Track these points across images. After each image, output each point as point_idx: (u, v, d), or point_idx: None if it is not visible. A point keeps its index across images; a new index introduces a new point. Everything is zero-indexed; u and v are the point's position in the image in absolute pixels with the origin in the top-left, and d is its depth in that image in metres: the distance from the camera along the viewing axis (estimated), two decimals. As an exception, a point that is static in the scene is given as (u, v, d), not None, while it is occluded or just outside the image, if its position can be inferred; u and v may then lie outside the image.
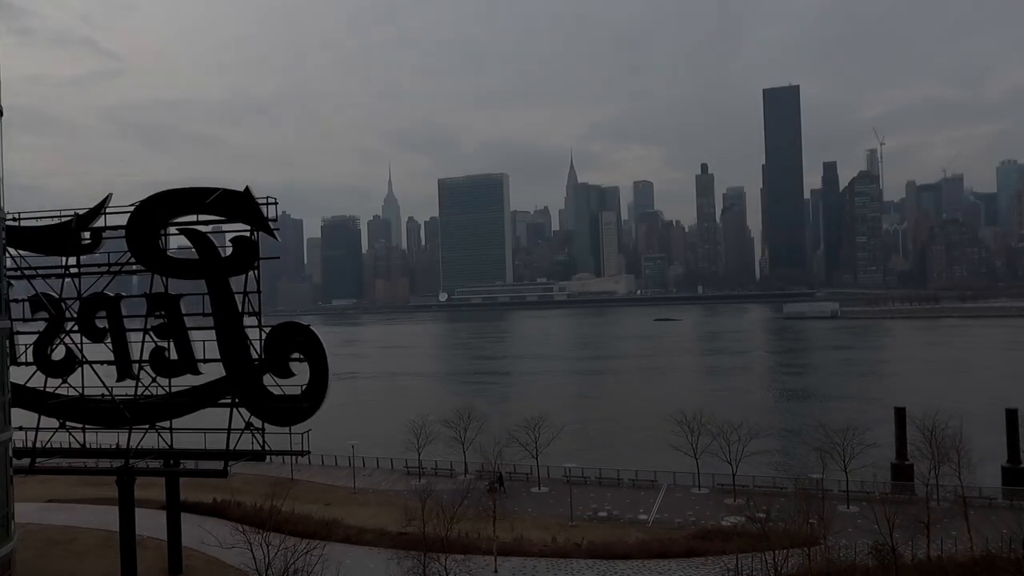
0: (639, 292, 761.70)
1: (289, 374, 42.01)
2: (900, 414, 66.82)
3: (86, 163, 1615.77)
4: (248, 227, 42.09)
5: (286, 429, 42.20)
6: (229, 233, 42.55)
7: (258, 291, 42.36)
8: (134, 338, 43.60)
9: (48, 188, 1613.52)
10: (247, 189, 42.20)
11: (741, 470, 58.84)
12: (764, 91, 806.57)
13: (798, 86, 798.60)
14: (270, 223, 42.30)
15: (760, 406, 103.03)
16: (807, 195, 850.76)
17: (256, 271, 42.37)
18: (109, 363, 43.63)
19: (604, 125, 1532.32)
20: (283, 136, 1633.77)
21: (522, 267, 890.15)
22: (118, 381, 43.81)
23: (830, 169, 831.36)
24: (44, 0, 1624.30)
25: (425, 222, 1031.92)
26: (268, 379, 42.08)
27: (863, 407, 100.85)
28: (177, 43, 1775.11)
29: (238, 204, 42.01)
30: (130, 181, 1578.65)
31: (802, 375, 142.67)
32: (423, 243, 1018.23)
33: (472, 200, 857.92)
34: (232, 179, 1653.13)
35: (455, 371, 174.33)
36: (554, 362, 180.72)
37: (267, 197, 42.49)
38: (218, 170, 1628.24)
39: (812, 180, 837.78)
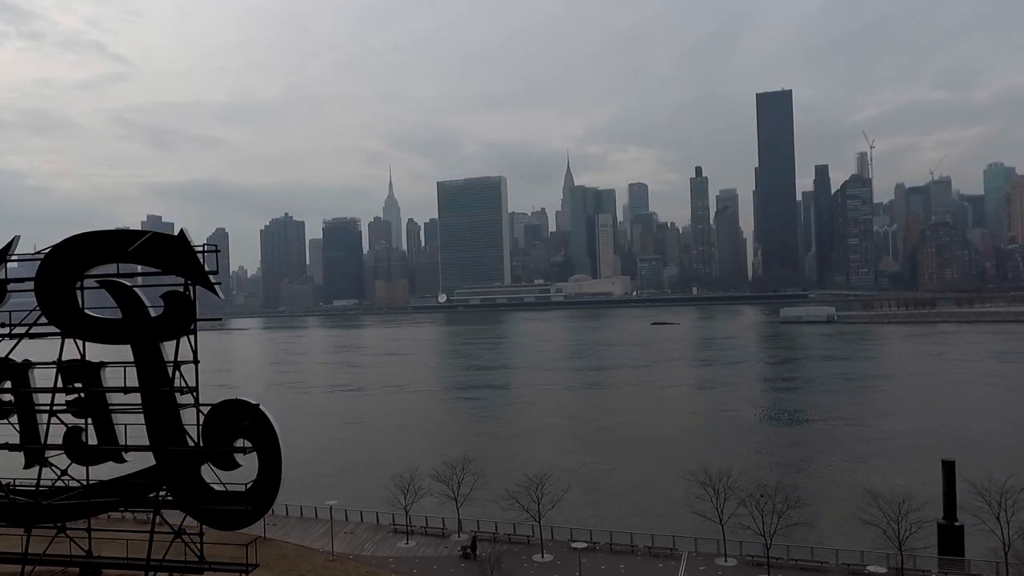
0: (635, 293, 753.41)
1: (233, 465, 32.77)
2: (949, 469, 57.72)
3: (95, 165, 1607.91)
4: (183, 280, 32.85)
5: (229, 532, 33.14)
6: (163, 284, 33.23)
7: (195, 360, 32.85)
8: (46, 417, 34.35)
9: (57, 189, 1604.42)
10: (182, 233, 32.89)
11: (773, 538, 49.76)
12: (757, 95, 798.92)
13: (791, 91, 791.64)
14: (210, 276, 32.89)
15: (771, 445, 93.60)
16: (799, 197, 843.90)
17: (193, 336, 33.00)
18: (15, 448, 34.42)
19: (602, 128, 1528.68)
20: (287, 138, 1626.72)
21: (520, 268, 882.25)
22: (26, 468, 34.65)
23: (822, 172, 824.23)
24: (53, 4, 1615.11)
25: (425, 224, 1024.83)
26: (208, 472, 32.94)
27: (883, 441, 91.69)
28: (183, 47, 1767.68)
29: (170, 252, 32.60)
30: (139, 183, 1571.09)
31: (805, 394, 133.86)
32: (423, 244, 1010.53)
33: (471, 202, 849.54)
34: (237, 180, 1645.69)
35: (450, 385, 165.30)
36: (551, 375, 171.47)
37: (204, 244, 33.03)
38: (223, 172, 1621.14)
39: (804, 182, 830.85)
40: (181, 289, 32.84)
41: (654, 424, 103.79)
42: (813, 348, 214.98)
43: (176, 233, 33.19)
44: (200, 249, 32.78)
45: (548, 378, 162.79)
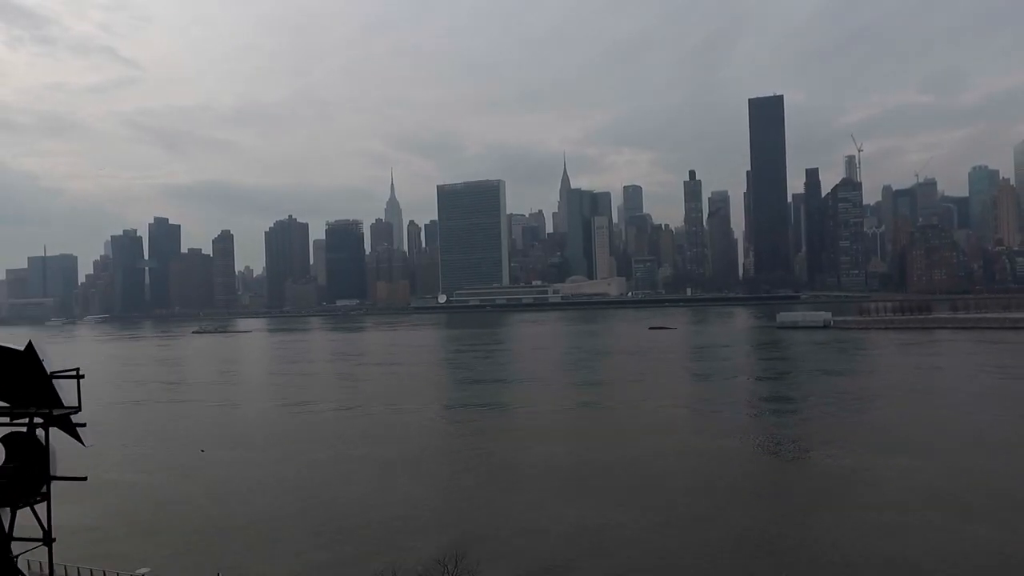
0: (630, 294, 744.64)
1: None
2: None
3: (106, 166, 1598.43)
4: (30, 419, 22.42)
5: None
6: None
7: (47, 540, 22.31)
8: None
9: (70, 190, 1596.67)
10: (30, 346, 22.38)
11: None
12: (749, 100, 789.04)
13: (782, 96, 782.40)
14: (72, 415, 22.33)
15: (788, 498, 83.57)
16: (789, 199, 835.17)
17: (43, 501, 22.46)
18: None
19: (599, 131, 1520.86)
20: (293, 141, 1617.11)
21: (518, 268, 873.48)
22: None
23: (812, 175, 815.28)
24: (66, 10, 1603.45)
25: (425, 225, 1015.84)
26: None
27: (913, 491, 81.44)
28: (192, 52, 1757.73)
29: (12, 376, 22.15)
30: (149, 184, 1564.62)
31: (812, 424, 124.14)
32: (423, 245, 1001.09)
33: (470, 206, 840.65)
34: (245, 182, 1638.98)
35: (444, 405, 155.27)
36: (547, 391, 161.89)
37: (60, 370, 22.35)
38: (231, 173, 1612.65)
39: (794, 183, 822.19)
40: (26, 430, 22.42)
41: (662, 462, 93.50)
42: (812, 360, 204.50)
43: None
44: (54, 374, 22.24)
45: (544, 395, 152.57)
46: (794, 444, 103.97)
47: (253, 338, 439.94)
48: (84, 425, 22.73)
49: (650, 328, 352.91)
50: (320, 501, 78.62)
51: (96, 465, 79.76)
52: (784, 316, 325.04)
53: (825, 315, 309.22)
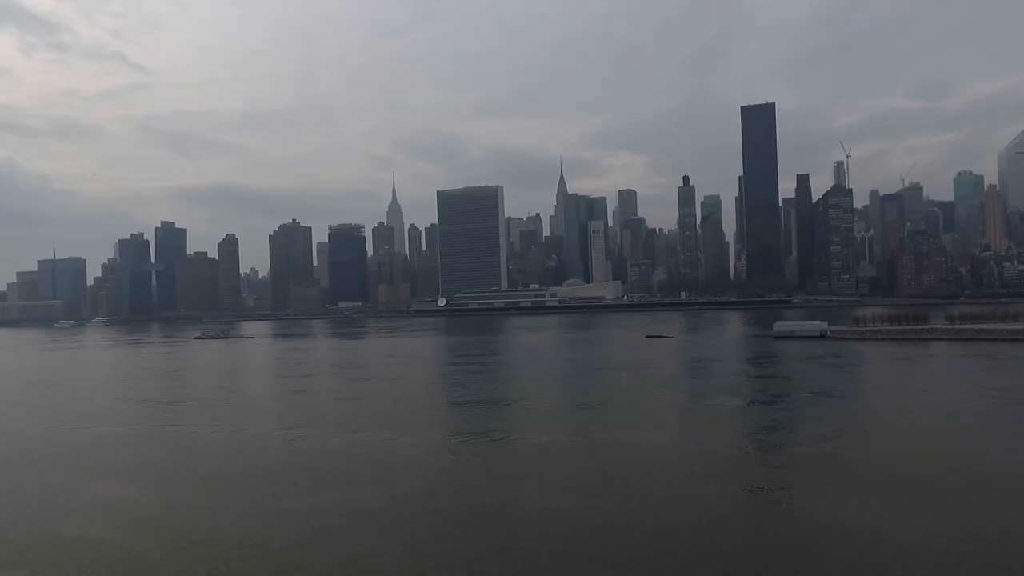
0: (625, 298, 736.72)
1: None
2: None
3: (118, 169, 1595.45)
4: None
5: None
6: None
7: None
8: None
9: (82, 193, 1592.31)
10: None
11: None
12: (742, 108, 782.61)
13: (774, 104, 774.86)
14: None
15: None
16: (780, 203, 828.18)
17: None
18: None
19: (596, 134, 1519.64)
20: (298, 144, 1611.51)
21: (516, 272, 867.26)
22: None
23: (803, 180, 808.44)
24: (78, 16, 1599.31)
25: (426, 228, 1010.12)
26: None
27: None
28: (200, 57, 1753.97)
29: None
30: (159, 186, 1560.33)
31: (814, 468, 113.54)
32: (424, 249, 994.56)
33: (469, 211, 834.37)
34: (251, 184, 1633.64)
35: (436, 431, 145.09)
36: (540, 414, 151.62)
37: None
38: (238, 176, 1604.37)
39: (785, 186, 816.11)
40: None
41: (663, 514, 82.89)
42: (811, 380, 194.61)
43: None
44: None
45: (538, 421, 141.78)
46: (796, 491, 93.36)
47: (254, 345, 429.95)
48: None
49: (647, 337, 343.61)
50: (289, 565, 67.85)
51: (69, 514, 69.37)
52: (780, 325, 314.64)
53: (822, 324, 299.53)
